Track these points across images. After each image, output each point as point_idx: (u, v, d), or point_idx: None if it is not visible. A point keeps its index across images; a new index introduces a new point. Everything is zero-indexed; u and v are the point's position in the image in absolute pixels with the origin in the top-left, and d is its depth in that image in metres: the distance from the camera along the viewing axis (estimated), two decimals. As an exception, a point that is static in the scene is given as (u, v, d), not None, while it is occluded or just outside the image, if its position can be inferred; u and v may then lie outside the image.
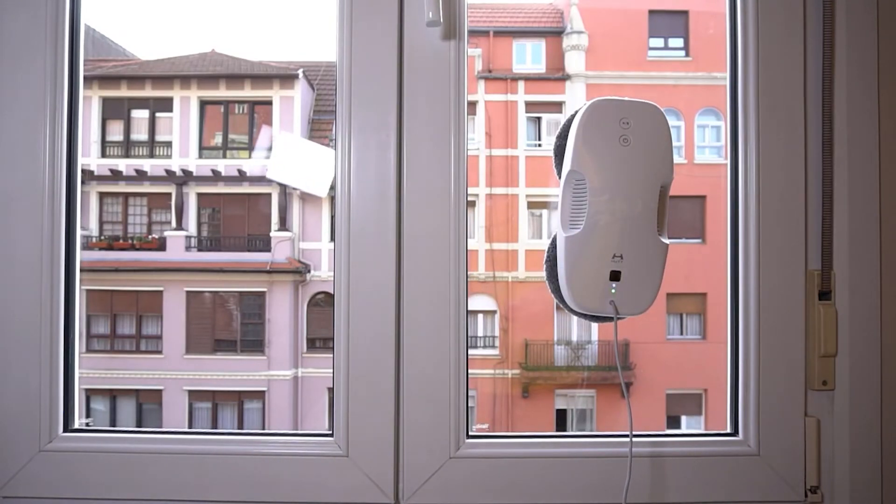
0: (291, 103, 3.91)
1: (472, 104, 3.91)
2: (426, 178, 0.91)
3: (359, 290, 0.90)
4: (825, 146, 0.90)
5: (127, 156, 3.92)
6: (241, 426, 3.89)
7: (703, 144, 3.86)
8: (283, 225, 3.92)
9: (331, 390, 0.92)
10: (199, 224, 3.97)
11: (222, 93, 3.94)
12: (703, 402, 3.81)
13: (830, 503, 0.91)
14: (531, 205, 3.94)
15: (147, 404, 3.90)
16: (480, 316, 3.98)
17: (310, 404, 3.84)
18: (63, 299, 0.92)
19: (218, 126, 3.95)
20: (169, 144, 3.91)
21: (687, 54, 3.90)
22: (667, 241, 0.79)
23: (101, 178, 3.92)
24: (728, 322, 0.95)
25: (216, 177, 3.92)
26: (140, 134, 3.94)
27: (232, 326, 3.92)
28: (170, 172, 3.90)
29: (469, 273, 0.92)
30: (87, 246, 3.80)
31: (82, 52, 0.95)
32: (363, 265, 0.90)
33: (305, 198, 3.92)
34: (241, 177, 3.94)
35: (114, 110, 3.93)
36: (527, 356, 3.98)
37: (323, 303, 3.92)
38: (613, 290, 0.78)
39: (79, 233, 0.95)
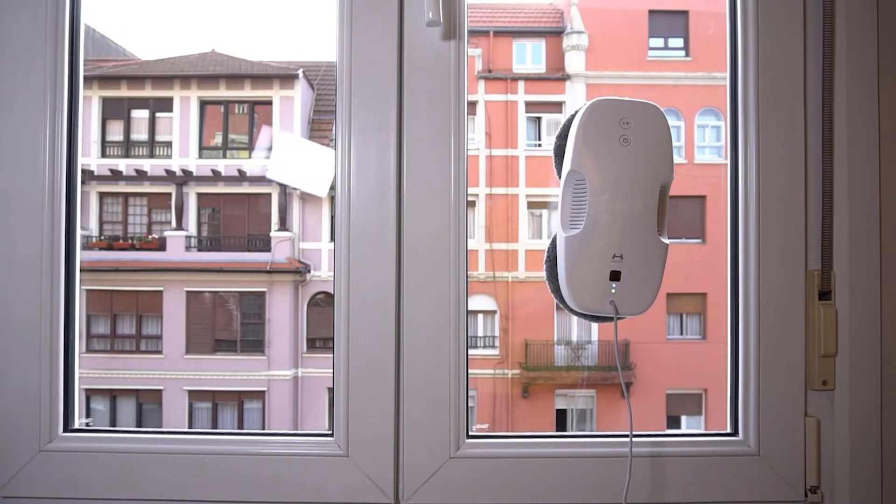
0: (291, 103, 3.91)
1: (472, 104, 3.91)
2: (426, 178, 0.91)
3: (359, 290, 0.90)
4: (825, 146, 0.90)
5: (127, 156, 3.92)
6: (241, 426, 3.89)
7: (703, 144, 3.86)
8: (283, 225, 3.92)
9: (331, 390, 0.92)
10: (199, 224, 3.97)
11: (222, 93, 3.94)
12: (703, 402, 3.81)
13: (830, 503, 0.91)
14: (531, 205, 3.94)
15: (147, 404, 3.90)
16: (480, 316, 3.98)
17: (310, 404, 3.84)
18: (63, 299, 0.92)
19: (218, 126, 3.95)
20: (169, 144, 3.91)
21: (687, 54, 3.90)
22: (667, 241, 0.79)
23: (101, 178, 3.92)
24: (728, 322, 0.95)
25: (216, 177, 3.92)
26: (140, 134, 3.94)
27: (232, 326, 3.92)
28: (170, 172, 3.90)
29: (469, 273, 0.92)
30: (87, 246, 3.80)
31: (82, 52, 0.95)
32: (363, 265, 0.90)
33: (305, 198, 3.92)
34: (241, 177, 3.94)
35: (114, 110, 3.93)
36: (527, 356, 3.98)
37: (323, 303, 3.92)
38: (613, 290, 0.78)
39: (79, 233, 0.95)
